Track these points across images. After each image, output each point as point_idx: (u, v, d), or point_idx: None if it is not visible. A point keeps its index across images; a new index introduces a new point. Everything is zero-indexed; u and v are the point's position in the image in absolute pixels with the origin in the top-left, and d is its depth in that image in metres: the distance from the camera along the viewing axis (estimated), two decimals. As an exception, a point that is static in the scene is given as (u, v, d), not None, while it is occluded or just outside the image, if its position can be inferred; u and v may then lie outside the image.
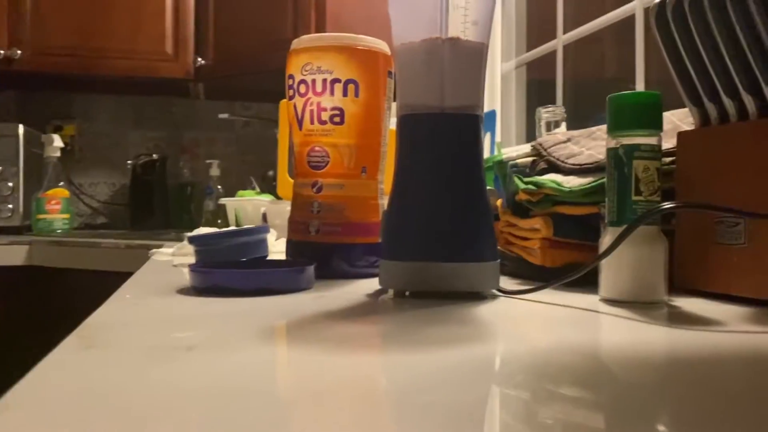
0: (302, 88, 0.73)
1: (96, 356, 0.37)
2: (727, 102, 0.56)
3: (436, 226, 0.57)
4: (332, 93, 0.72)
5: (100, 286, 0.79)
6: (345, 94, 0.72)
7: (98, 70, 2.02)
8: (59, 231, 1.93)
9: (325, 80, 0.71)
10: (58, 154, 1.98)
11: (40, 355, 0.35)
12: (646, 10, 0.53)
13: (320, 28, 1.95)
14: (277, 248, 0.90)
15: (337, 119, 0.72)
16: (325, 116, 0.72)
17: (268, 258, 0.75)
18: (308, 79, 0.72)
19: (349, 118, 0.72)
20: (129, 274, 0.76)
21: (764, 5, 0.51)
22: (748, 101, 0.54)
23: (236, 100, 2.37)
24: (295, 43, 0.75)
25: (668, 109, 0.72)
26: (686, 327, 0.47)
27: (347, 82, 0.72)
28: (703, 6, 0.55)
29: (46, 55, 1.96)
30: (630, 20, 1.39)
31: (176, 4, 2.05)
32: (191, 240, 0.74)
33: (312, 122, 0.72)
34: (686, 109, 0.63)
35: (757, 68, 0.53)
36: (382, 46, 0.74)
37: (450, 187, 0.57)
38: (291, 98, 0.74)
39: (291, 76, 0.74)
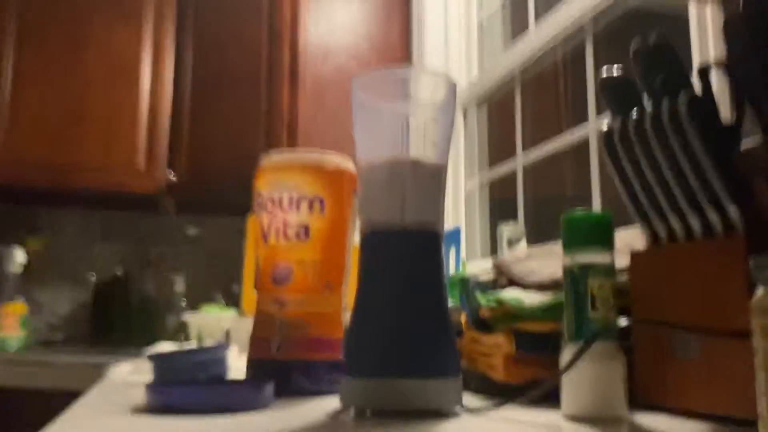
0: (269, 205, 0.74)
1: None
2: (674, 221, 0.59)
3: (397, 342, 0.57)
4: (298, 209, 0.73)
5: (55, 406, 0.76)
6: (311, 210, 0.73)
7: (69, 185, 2.02)
8: (13, 349, 1.86)
9: (291, 197, 0.73)
10: (19, 269, 1.95)
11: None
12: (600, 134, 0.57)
13: (292, 145, 2.02)
14: (238, 366, 0.88)
15: (302, 235, 0.73)
16: (290, 232, 0.73)
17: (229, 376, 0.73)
18: (275, 195, 0.74)
19: (315, 234, 0.73)
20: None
21: (700, 133, 0.55)
22: (693, 221, 0.57)
23: (206, 215, 2.38)
24: (264, 161, 0.77)
25: (625, 226, 0.75)
26: (648, 445, 0.46)
27: (313, 199, 0.73)
28: (646, 132, 0.59)
29: (18, 168, 1.97)
30: (585, 143, 1.46)
31: (151, 120, 2.09)
32: (150, 357, 0.72)
33: (277, 238, 0.73)
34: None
35: (698, 191, 0.56)
36: (348, 164, 0.77)
37: (411, 302, 0.58)
38: (258, 214, 0.76)
39: (259, 193, 0.76)
